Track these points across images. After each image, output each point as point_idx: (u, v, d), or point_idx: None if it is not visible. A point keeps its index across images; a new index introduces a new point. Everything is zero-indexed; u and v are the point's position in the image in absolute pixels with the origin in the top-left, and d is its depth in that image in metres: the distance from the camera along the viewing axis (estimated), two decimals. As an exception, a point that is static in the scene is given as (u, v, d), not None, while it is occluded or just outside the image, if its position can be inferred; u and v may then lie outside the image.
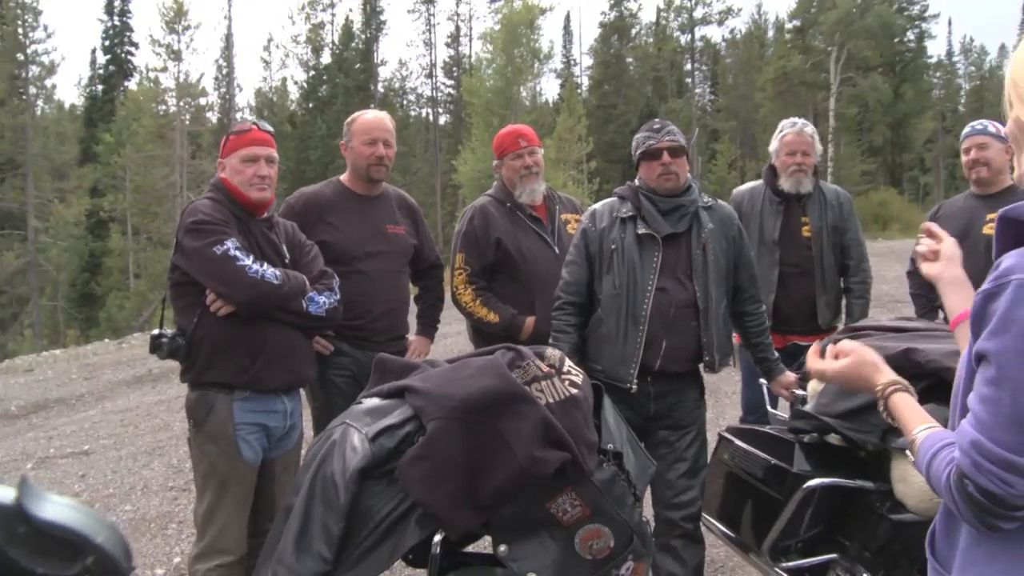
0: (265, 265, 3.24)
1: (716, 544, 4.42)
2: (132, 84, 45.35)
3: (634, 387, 3.50)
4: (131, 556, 1.49)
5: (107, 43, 48.00)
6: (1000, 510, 1.37)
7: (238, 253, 3.17)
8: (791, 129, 4.75)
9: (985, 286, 1.43)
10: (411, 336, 4.35)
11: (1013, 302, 1.36)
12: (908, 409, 1.72)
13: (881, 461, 2.95)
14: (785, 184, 4.71)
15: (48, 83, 44.44)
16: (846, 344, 1.94)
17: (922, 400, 2.79)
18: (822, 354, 1.99)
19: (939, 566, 1.62)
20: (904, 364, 2.89)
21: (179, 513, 5.81)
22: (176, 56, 39.42)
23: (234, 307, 3.20)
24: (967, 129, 4.57)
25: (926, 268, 2.02)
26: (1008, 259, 1.42)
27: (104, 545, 1.35)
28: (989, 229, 4.22)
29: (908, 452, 1.71)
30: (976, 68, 67.60)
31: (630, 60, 58.77)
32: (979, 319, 1.44)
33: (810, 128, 4.79)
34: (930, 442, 1.55)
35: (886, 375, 1.81)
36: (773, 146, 4.85)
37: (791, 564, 3.16)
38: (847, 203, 4.83)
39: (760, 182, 4.96)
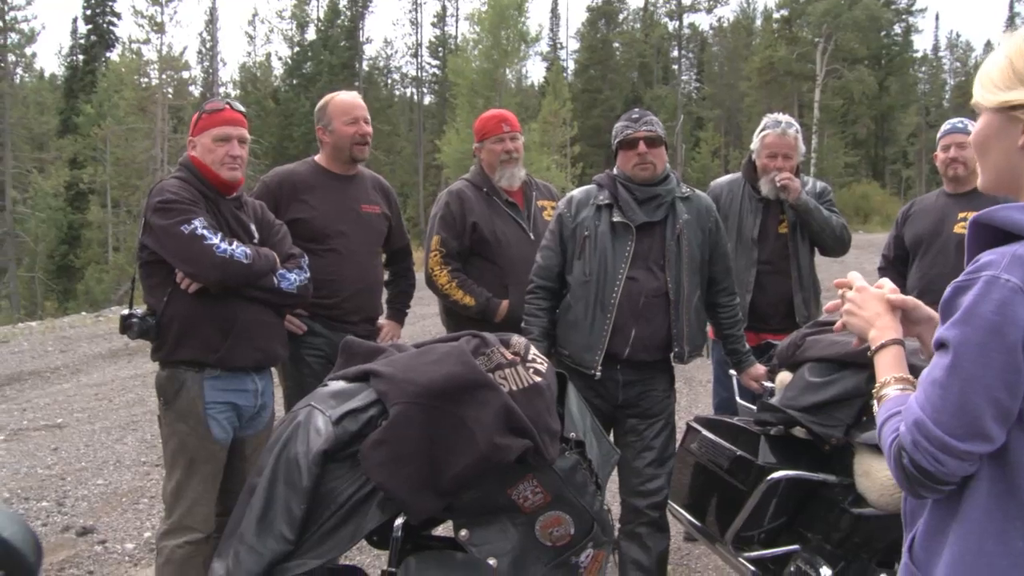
0: (235, 243, 3.21)
1: (682, 532, 4.47)
2: (114, 55, 44.95)
3: (598, 374, 3.52)
4: (41, 551, 1.46)
5: (88, 12, 47.44)
6: (930, 483, 1.48)
7: (206, 232, 3.14)
8: (774, 130, 4.52)
9: (960, 278, 1.49)
10: (382, 320, 4.35)
11: (979, 296, 1.42)
12: (885, 360, 1.72)
13: (844, 455, 2.98)
14: (764, 187, 4.53)
15: (28, 51, 43.70)
16: (854, 279, 1.93)
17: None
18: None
19: (915, 568, 1.62)
20: (865, 359, 2.92)
21: (151, 488, 5.81)
22: (159, 28, 39.08)
23: (203, 284, 3.19)
24: (947, 126, 4.49)
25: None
26: (987, 255, 1.47)
27: (11, 540, 1.34)
28: (960, 228, 4.21)
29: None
30: (961, 64, 67.78)
31: (617, 45, 58.62)
32: (947, 308, 1.50)
33: (794, 128, 4.55)
34: (889, 405, 1.61)
35: (880, 328, 1.79)
36: (754, 144, 4.64)
37: (753, 554, 3.20)
38: (825, 194, 4.70)
39: (739, 175, 4.81)
